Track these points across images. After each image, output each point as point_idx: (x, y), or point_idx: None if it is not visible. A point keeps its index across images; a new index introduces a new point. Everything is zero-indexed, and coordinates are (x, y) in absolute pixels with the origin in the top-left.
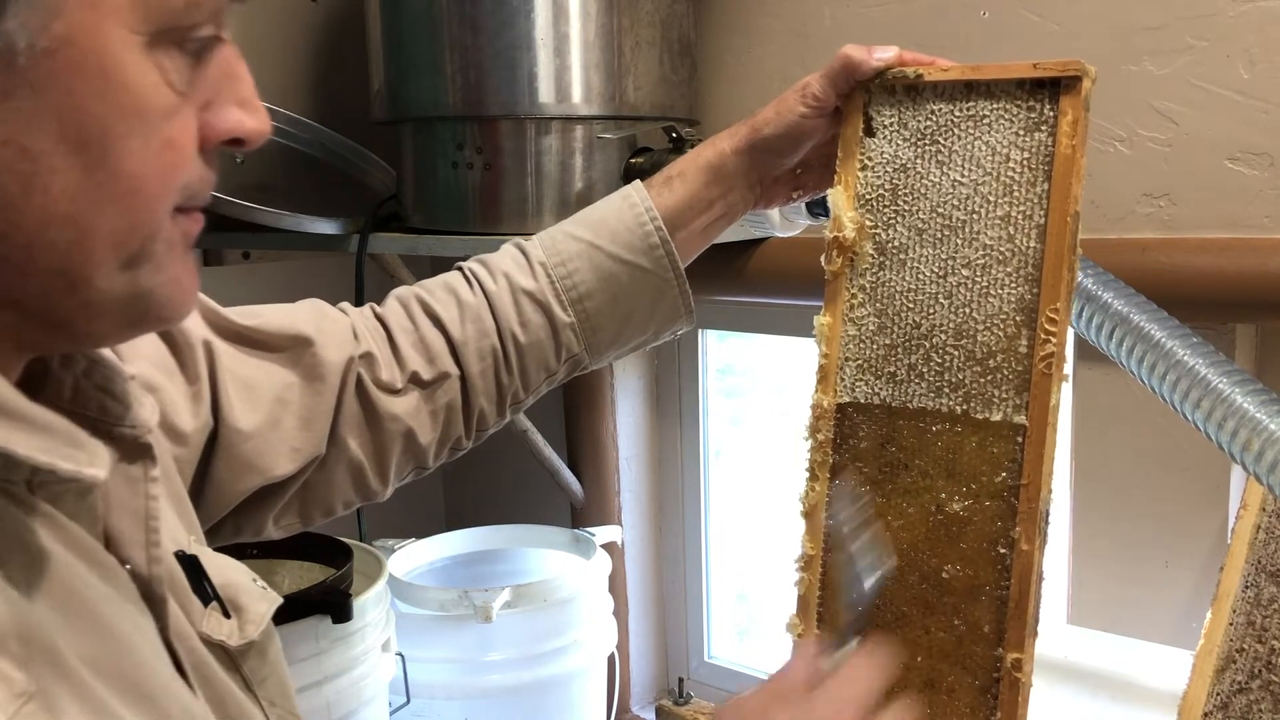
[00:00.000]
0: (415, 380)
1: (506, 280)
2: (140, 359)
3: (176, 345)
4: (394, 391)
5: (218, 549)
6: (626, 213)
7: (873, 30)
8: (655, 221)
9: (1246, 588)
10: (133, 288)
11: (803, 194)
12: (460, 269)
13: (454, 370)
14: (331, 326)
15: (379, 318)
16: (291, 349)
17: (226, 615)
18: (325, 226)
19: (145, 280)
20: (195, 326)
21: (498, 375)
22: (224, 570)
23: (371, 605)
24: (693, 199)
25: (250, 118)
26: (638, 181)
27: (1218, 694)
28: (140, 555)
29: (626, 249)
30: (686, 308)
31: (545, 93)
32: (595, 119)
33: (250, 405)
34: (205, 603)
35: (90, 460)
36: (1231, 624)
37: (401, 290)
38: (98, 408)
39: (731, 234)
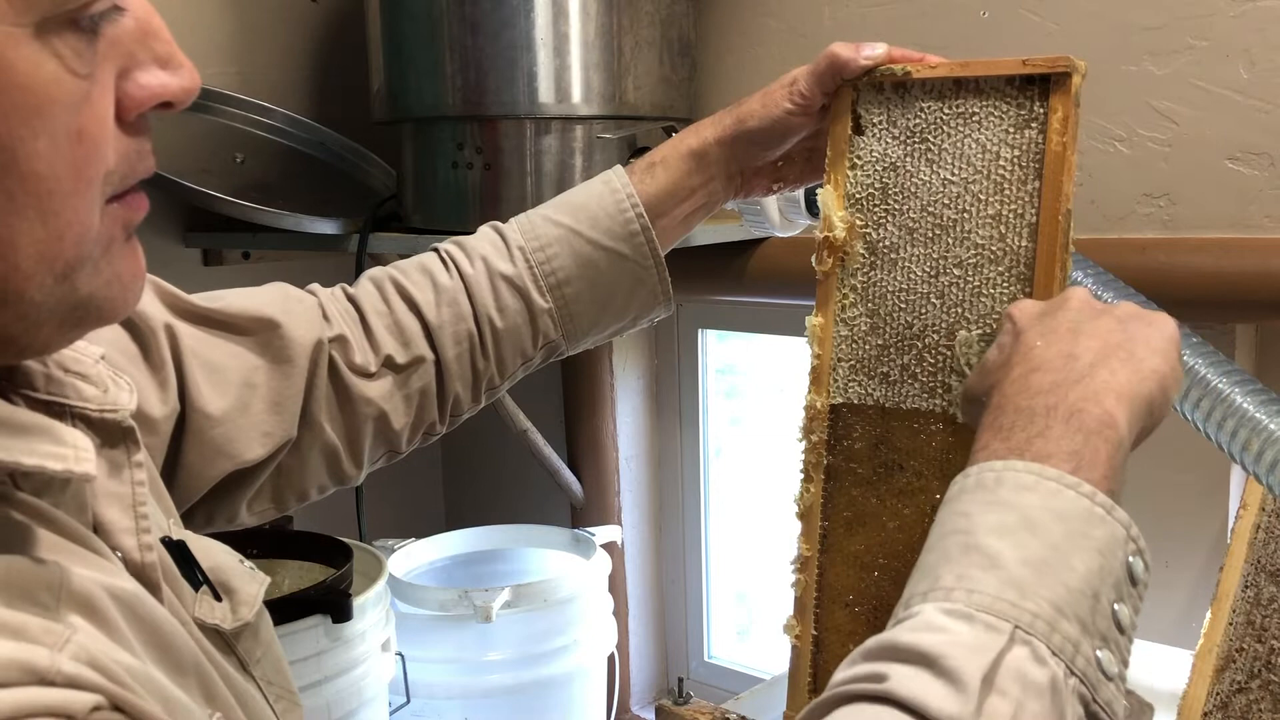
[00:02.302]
0: (389, 364)
1: (484, 264)
2: (102, 345)
3: (138, 331)
4: (367, 375)
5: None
6: (608, 198)
7: (873, 30)
8: (637, 208)
9: (1246, 587)
10: (71, 296)
11: (783, 186)
12: (436, 251)
13: (429, 354)
14: (298, 307)
15: (351, 299)
16: (257, 332)
17: (218, 598)
18: (325, 226)
19: (84, 286)
20: (156, 311)
21: (473, 360)
22: (211, 553)
23: (371, 605)
24: (674, 187)
25: (174, 77)
26: (619, 166)
27: (1217, 694)
28: (131, 542)
29: (607, 235)
30: (665, 295)
31: (545, 93)
32: (595, 119)
33: (218, 390)
34: (195, 587)
35: (77, 457)
36: (1231, 624)
37: (375, 271)
38: (75, 392)
39: (731, 234)
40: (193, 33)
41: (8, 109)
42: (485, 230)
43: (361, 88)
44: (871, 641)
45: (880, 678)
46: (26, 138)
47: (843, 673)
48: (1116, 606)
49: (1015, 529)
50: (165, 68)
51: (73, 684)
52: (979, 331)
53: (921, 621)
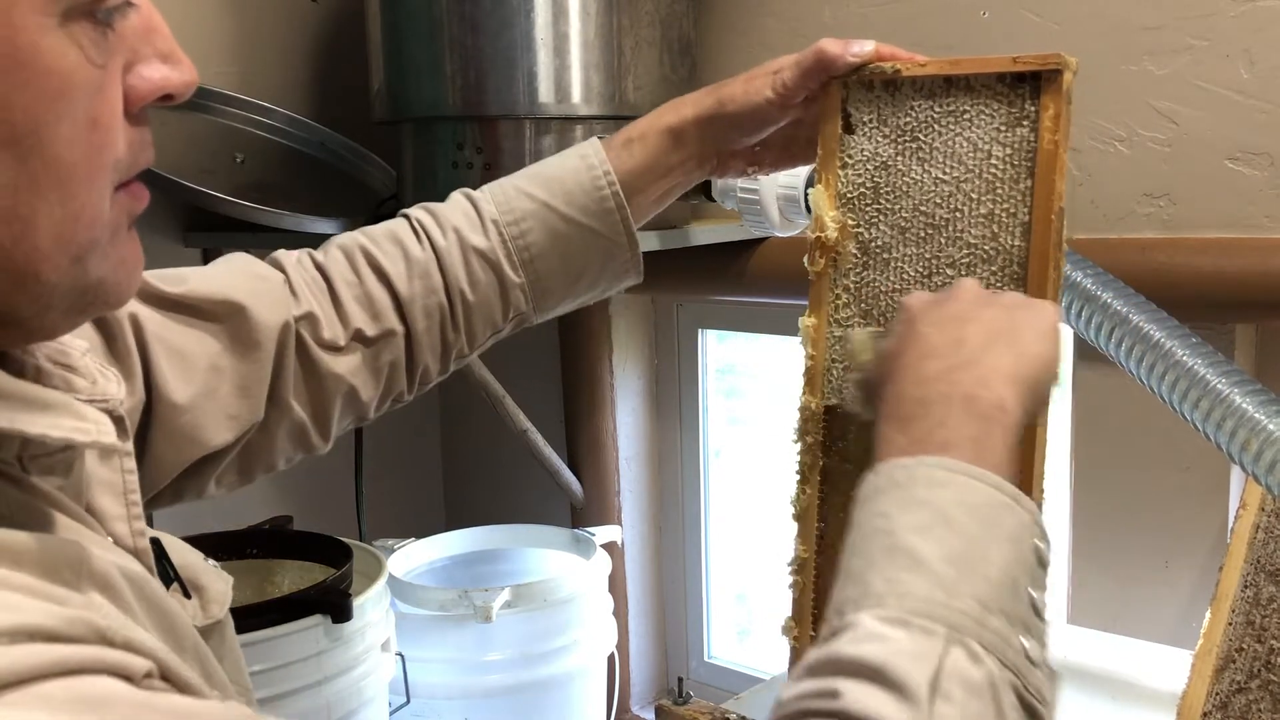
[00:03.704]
0: (359, 337)
1: (456, 236)
2: (67, 337)
3: (104, 321)
4: (337, 349)
5: (210, 531)
6: (584, 174)
7: (873, 30)
8: (613, 186)
9: (1245, 587)
10: (82, 279)
11: (758, 170)
12: (407, 218)
13: (399, 327)
14: (264, 287)
15: (320, 268)
16: (223, 318)
17: (187, 595)
18: (325, 226)
19: (94, 269)
20: None
21: (443, 332)
22: (180, 551)
23: (371, 605)
24: (652, 163)
25: (175, 71)
26: (595, 140)
27: (1217, 694)
28: (124, 529)
29: (581, 211)
30: (636, 266)
31: (545, 93)
32: (595, 119)
33: (184, 377)
34: (166, 584)
35: (99, 429)
36: (1230, 624)
37: (344, 238)
38: (64, 383)
39: (731, 234)
40: (193, 32)
41: (37, 94)
42: (457, 198)
43: (361, 88)
44: (813, 656)
45: (833, 694)
46: (51, 122)
47: (791, 689)
48: (1033, 592)
49: (933, 525)
50: (166, 62)
51: (129, 647)
52: (872, 329)
53: (862, 632)
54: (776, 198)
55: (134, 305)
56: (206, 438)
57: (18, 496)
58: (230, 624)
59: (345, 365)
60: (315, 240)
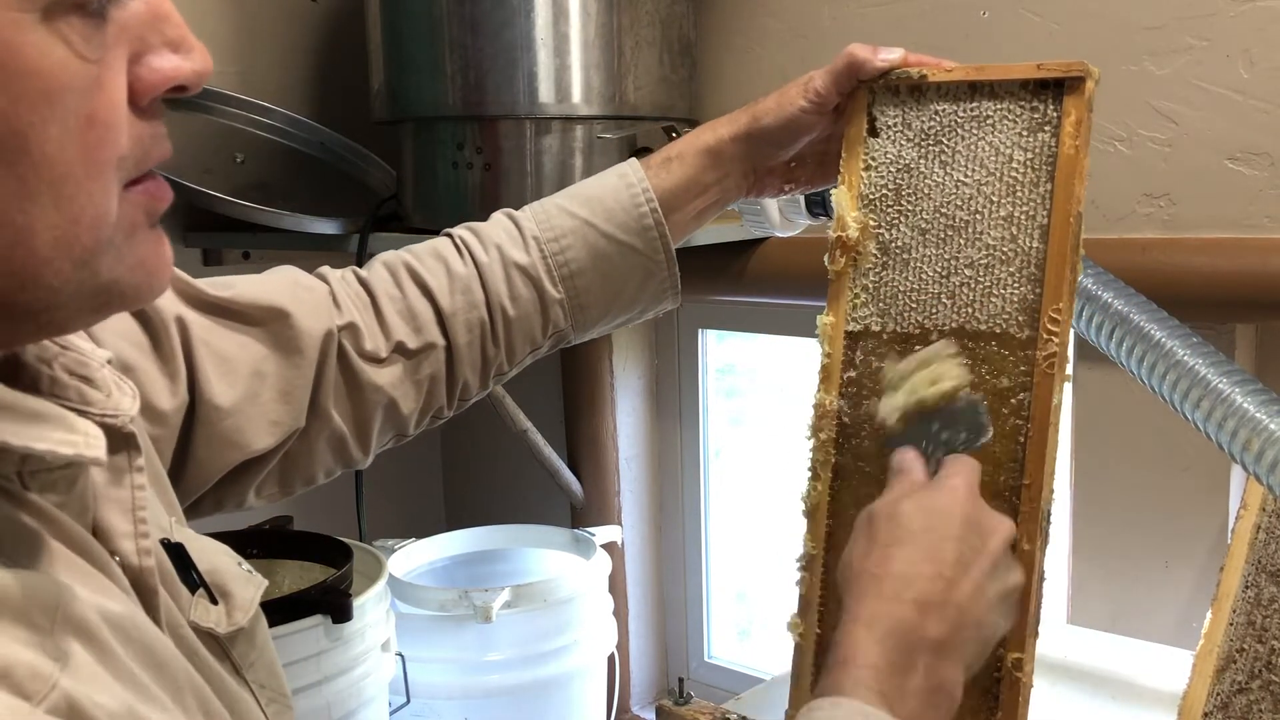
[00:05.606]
0: (400, 350)
1: (499, 252)
2: (113, 337)
3: (150, 322)
4: (378, 361)
5: (208, 532)
6: (623, 192)
7: (873, 30)
8: (651, 203)
9: (1246, 588)
10: (92, 282)
11: (794, 187)
12: (450, 236)
13: (440, 341)
14: (308, 296)
15: (363, 282)
16: (267, 322)
17: (214, 601)
18: (325, 226)
19: (107, 272)
20: (167, 302)
21: (484, 347)
22: (209, 555)
23: (371, 605)
24: (689, 182)
25: (187, 60)
26: (634, 160)
27: (1218, 694)
28: (130, 546)
29: (621, 229)
30: (674, 288)
31: (545, 93)
32: (595, 119)
33: (227, 380)
34: (192, 590)
35: (88, 443)
36: (1231, 624)
37: (389, 255)
38: (77, 395)
39: (731, 234)
40: (192, 32)
41: (18, 95)
42: (499, 218)
43: (361, 88)
44: None
45: None
46: (37, 123)
47: None
48: None
49: None
50: (177, 51)
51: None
52: (908, 361)
53: None
54: (777, 198)
55: (180, 308)
56: (248, 441)
57: (12, 515)
58: (262, 626)
59: (386, 377)
60: (315, 240)
